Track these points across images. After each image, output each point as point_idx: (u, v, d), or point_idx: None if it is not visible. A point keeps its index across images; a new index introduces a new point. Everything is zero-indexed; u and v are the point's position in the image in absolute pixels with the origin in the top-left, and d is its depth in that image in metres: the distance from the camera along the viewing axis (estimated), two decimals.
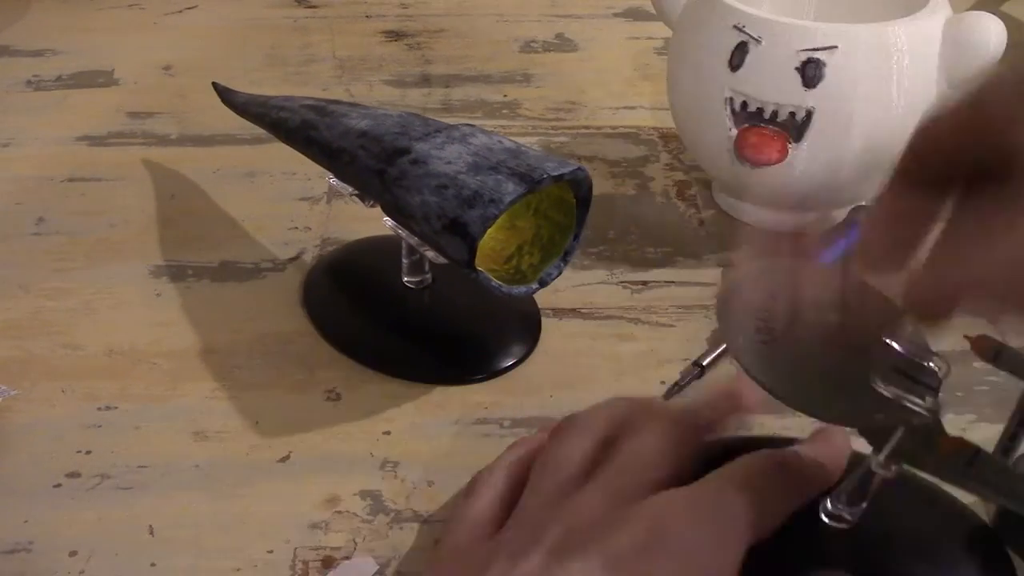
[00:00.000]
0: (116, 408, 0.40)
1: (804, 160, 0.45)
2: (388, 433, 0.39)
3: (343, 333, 0.43)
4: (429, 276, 0.44)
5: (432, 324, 0.44)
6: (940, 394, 0.28)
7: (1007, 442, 0.30)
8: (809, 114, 0.44)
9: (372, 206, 0.41)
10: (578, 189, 0.37)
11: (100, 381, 0.41)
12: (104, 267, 0.48)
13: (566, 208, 0.38)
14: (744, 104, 0.45)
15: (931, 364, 0.28)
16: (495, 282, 0.36)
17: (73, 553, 0.34)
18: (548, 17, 0.76)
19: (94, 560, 0.34)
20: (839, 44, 0.43)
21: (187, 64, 0.68)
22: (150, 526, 0.35)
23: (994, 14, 0.44)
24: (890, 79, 0.43)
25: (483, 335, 0.43)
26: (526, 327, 0.44)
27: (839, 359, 0.29)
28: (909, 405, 0.27)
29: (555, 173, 0.35)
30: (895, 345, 0.29)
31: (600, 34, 0.74)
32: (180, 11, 0.76)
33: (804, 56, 0.43)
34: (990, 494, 0.28)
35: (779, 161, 0.45)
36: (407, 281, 0.44)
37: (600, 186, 0.55)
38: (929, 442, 0.28)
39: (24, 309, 0.45)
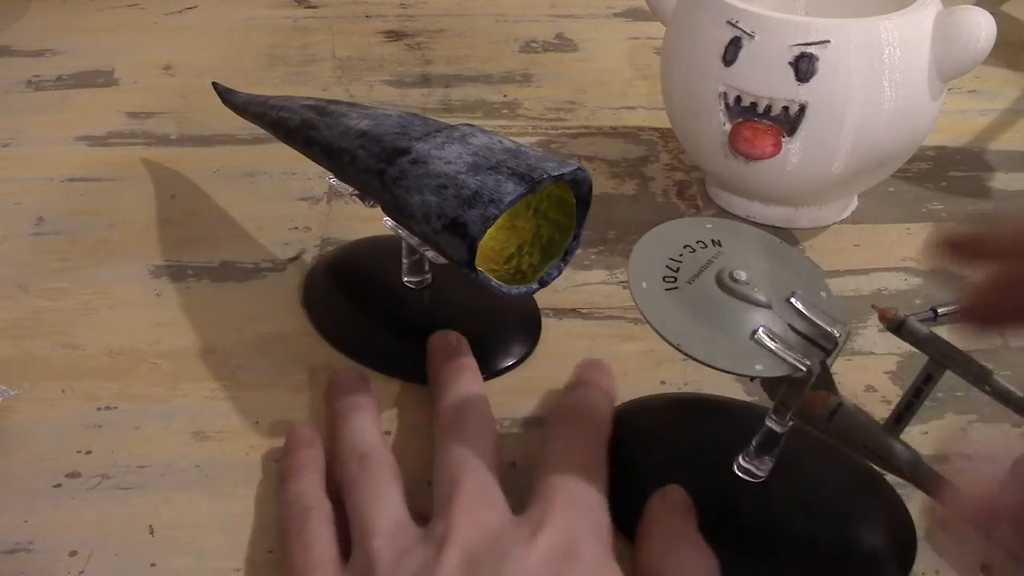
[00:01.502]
0: (116, 408, 0.40)
1: (798, 154, 0.46)
2: (388, 433, 0.39)
3: (343, 333, 0.43)
4: (429, 276, 0.44)
5: (432, 324, 0.43)
6: (831, 357, 0.30)
7: (901, 411, 0.31)
8: (802, 108, 0.44)
9: (372, 206, 0.41)
10: (578, 189, 0.37)
11: (100, 381, 0.41)
12: (104, 267, 0.48)
13: (566, 208, 0.38)
14: (738, 99, 0.46)
15: (831, 329, 0.30)
16: (495, 282, 0.36)
17: (73, 553, 0.34)
18: (548, 17, 0.76)
19: (94, 560, 0.34)
20: (831, 39, 0.43)
21: (187, 64, 0.68)
22: (150, 526, 0.35)
23: (993, 14, 0.44)
24: (882, 73, 0.44)
25: (483, 335, 0.43)
26: (526, 327, 0.44)
27: (734, 311, 0.31)
28: (790, 360, 0.29)
29: (555, 173, 0.35)
30: (798, 305, 0.31)
31: (600, 34, 0.74)
32: (180, 11, 0.76)
33: (797, 51, 0.44)
34: (847, 446, 0.30)
35: (773, 155, 0.46)
36: (407, 281, 0.45)
37: (600, 186, 0.55)
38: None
39: (24, 309, 0.45)
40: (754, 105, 0.45)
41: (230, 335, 0.44)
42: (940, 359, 0.30)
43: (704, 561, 0.32)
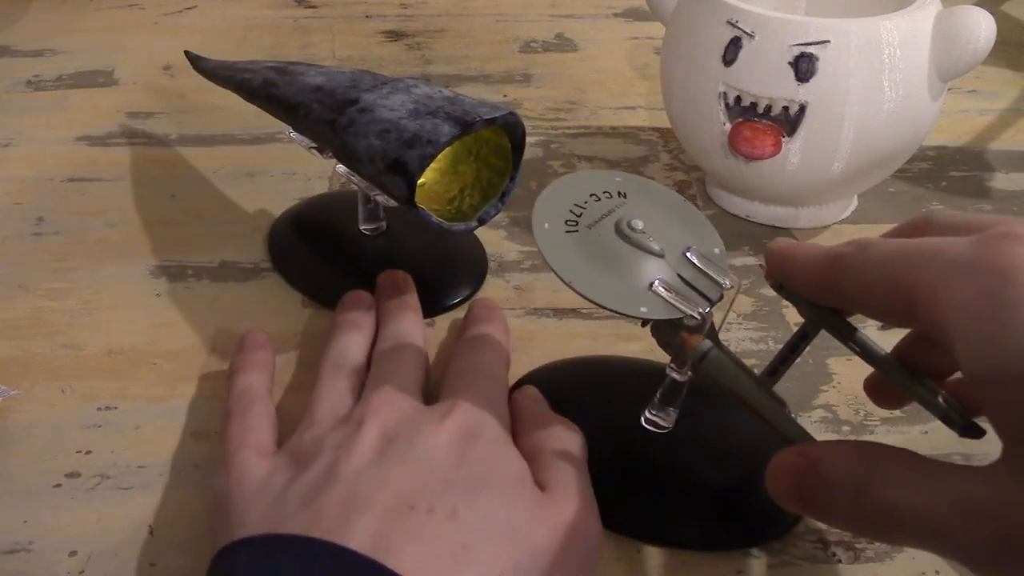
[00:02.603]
0: (116, 408, 0.40)
1: (797, 154, 0.46)
2: None
3: (306, 278, 0.47)
4: (384, 224, 0.47)
5: (388, 268, 0.45)
6: (714, 305, 0.32)
7: (777, 364, 0.32)
8: (802, 108, 0.44)
9: (328, 157, 0.43)
10: (512, 134, 0.40)
11: (100, 381, 0.41)
12: (104, 267, 0.48)
13: (504, 153, 0.40)
14: (738, 99, 0.46)
15: (721, 280, 0.32)
16: (435, 219, 0.39)
17: (73, 553, 0.34)
18: (548, 17, 0.76)
19: (94, 560, 0.34)
20: (831, 39, 0.43)
21: (187, 64, 0.68)
22: (150, 526, 0.35)
23: (993, 14, 0.44)
24: (882, 73, 0.44)
25: (433, 276, 0.46)
26: (472, 270, 0.48)
27: (628, 257, 0.32)
28: (676, 305, 0.31)
29: (488, 116, 0.38)
30: (691, 258, 0.33)
31: (600, 34, 0.74)
32: (180, 11, 0.76)
33: (797, 51, 0.44)
34: (715, 384, 0.32)
35: (773, 155, 0.46)
36: (364, 228, 0.47)
37: None
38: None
39: (24, 309, 0.45)
40: (754, 105, 0.45)
41: (230, 335, 0.44)
42: (814, 316, 0.31)
43: (574, 433, 0.35)
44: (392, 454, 0.31)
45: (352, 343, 0.40)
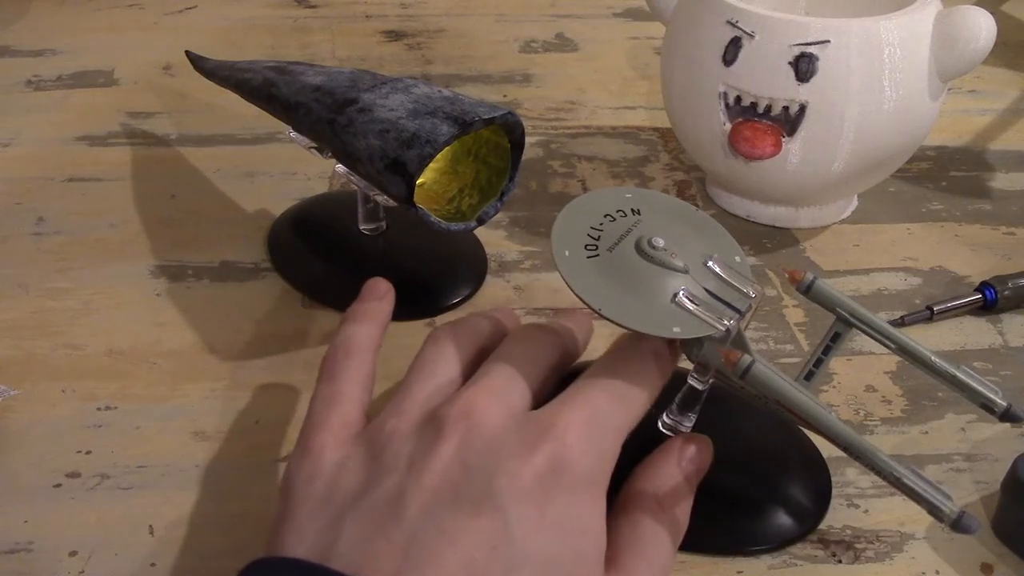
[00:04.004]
0: (116, 408, 0.40)
1: (797, 154, 0.46)
2: None
3: (306, 278, 0.47)
4: (384, 224, 0.48)
5: (387, 267, 0.46)
6: (744, 316, 0.32)
7: (812, 368, 0.32)
8: (802, 108, 0.44)
9: (328, 157, 0.44)
10: (511, 133, 0.40)
11: (100, 381, 0.41)
12: (104, 267, 0.48)
13: (502, 153, 0.41)
14: (738, 98, 0.46)
15: (746, 290, 0.32)
16: (433, 218, 0.39)
17: (73, 553, 0.34)
18: (548, 17, 0.76)
19: (94, 560, 0.34)
20: (832, 39, 0.43)
21: (187, 64, 0.68)
22: (150, 526, 0.35)
23: (993, 14, 0.44)
24: (882, 73, 0.44)
25: (433, 276, 0.47)
26: (472, 269, 0.48)
27: (652, 276, 0.32)
28: (708, 320, 0.31)
29: (487, 116, 0.38)
30: (716, 269, 0.33)
31: (600, 34, 0.74)
32: (180, 11, 0.76)
33: (797, 51, 0.44)
34: (760, 396, 0.31)
35: (773, 155, 0.46)
36: (363, 228, 0.48)
37: (600, 186, 0.55)
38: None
39: (24, 309, 0.45)
40: (754, 105, 0.45)
41: (230, 335, 0.44)
42: (847, 318, 0.32)
43: (677, 532, 0.31)
44: (466, 495, 0.28)
45: (479, 320, 0.36)
